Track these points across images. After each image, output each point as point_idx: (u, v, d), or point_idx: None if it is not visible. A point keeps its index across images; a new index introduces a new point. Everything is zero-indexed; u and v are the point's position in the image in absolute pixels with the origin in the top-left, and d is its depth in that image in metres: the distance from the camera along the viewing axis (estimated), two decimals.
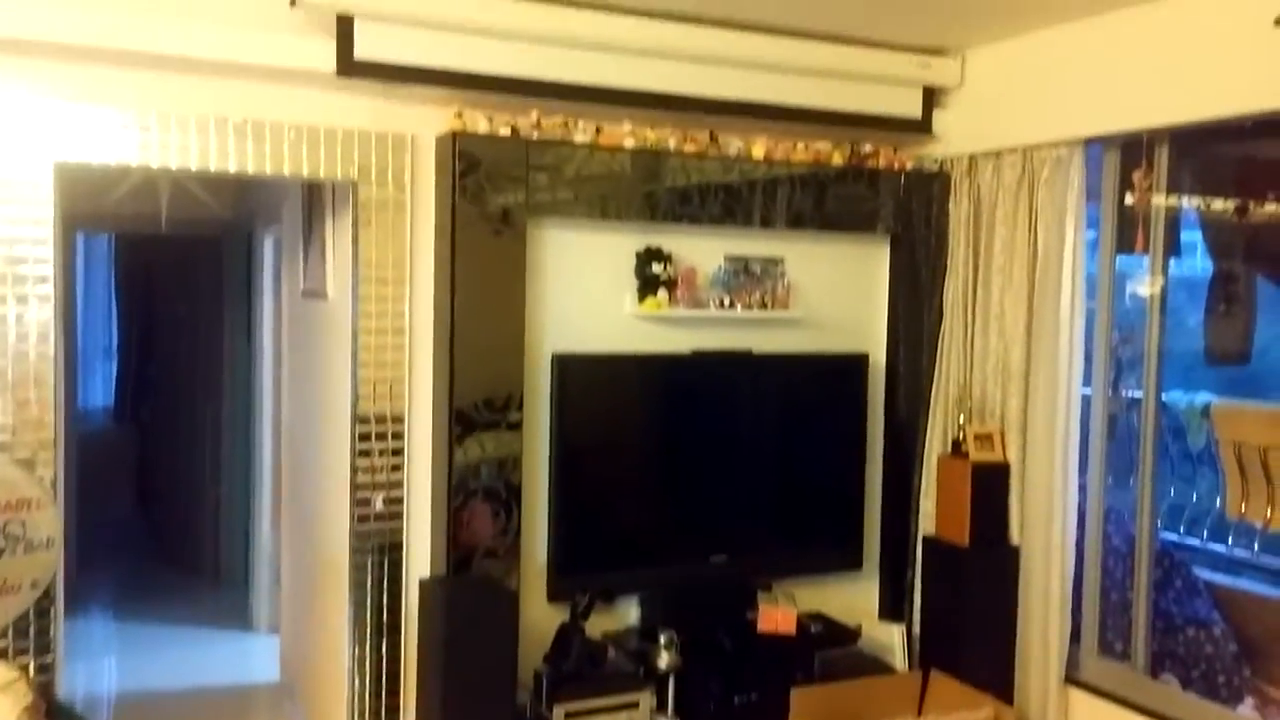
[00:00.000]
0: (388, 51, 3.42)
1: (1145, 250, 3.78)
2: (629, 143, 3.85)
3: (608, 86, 3.73)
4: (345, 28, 3.35)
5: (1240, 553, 4.60)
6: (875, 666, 4.20)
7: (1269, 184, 4.01)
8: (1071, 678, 3.98)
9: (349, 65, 3.38)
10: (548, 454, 3.85)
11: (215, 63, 3.30)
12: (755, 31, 3.86)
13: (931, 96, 4.23)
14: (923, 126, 4.25)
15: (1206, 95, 3.34)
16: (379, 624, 3.72)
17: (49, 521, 3.22)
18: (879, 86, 4.13)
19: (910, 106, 4.21)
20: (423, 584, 3.72)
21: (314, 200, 4.36)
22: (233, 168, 3.43)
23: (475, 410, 3.64)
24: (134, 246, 8.10)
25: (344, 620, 3.77)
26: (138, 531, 7.92)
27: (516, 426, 3.72)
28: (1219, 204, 4.19)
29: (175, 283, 7.47)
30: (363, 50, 3.38)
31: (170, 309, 7.59)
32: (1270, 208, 4.14)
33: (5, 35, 3.07)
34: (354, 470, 3.67)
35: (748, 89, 3.95)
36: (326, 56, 3.36)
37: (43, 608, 3.28)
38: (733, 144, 4.06)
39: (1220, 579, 4.55)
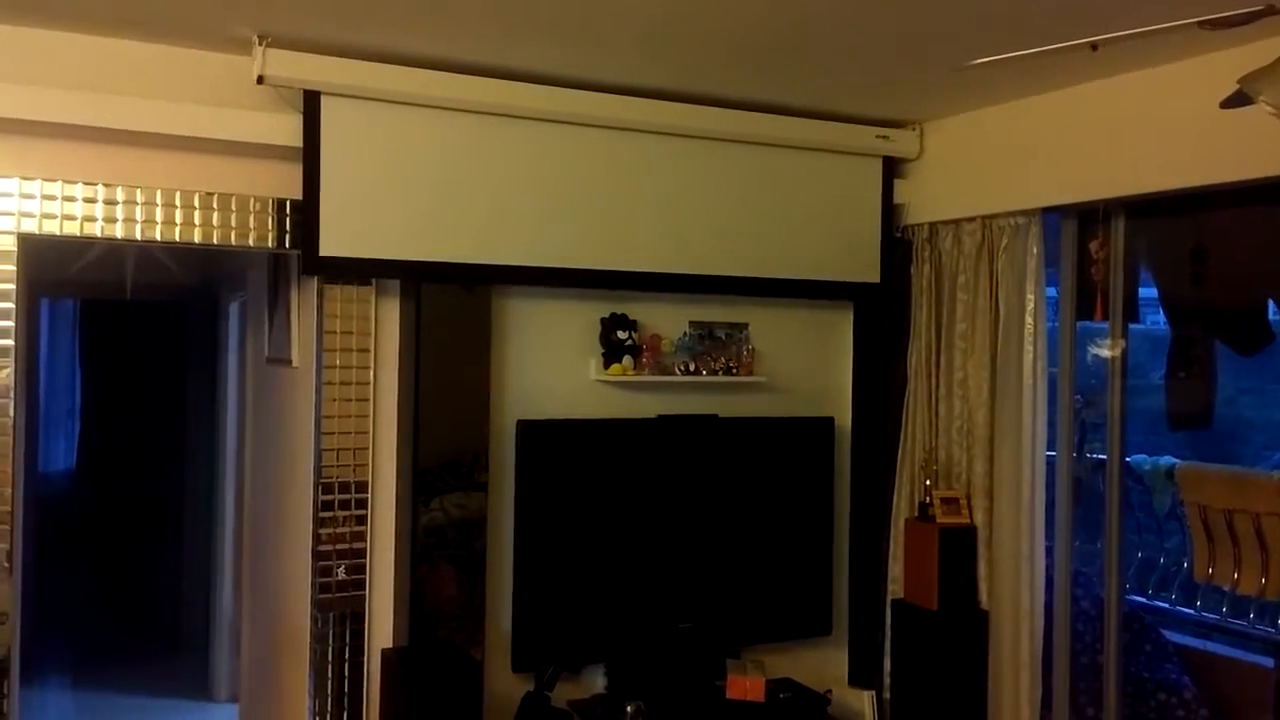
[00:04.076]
0: (350, 249, 3.47)
1: (1104, 318, 3.84)
2: None
3: (563, 267, 3.79)
4: (312, 107, 3.39)
5: (1209, 615, 4.60)
6: None
7: (1224, 252, 4.08)
8: None
9: (314, 263, 3.44)
10: (512, 520, 3.82)
11: (180, 138, 3.33)
12: (721, 106, 3.94)
13: (891, 167, 4.31)
14: (881, 290, 4.34)
15: (1158, 168, 3.41)
16: (340, 695, 3.65)
17: (4, 597, 3.16)
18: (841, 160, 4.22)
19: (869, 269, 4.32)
20: (385, 654, 3.67)
21: (279, 267, 4.35)
22: (198, 239, 3.45)
23: (439, 475, 3.62)
24: (99, 312, 8.08)
25: (305, 691, 3.70)
26: (97, 597, 7.79)
27: (481, 489, 3.70)
28: (1176, 271, 4.26)
29: (140, 348, 7.43)
30: (327, 249, 3.43)
31: (135, 374, 7.54)
32: (1225, 274, 4.20)
33: None
34: (316, 538, 3.62)
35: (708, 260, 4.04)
36: (292, 130, 3.39)
37: None
38: None
39: (1190, 642, 4.55)
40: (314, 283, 3.64)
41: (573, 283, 3.84)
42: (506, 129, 3.68)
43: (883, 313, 4.39)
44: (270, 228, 3.53)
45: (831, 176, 4.23)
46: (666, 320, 4.09)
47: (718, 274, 4.04)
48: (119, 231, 3.36)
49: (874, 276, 4.32)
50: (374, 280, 3.65)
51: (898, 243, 4.36)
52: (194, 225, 3.43)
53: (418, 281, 3.64)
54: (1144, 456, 4.61)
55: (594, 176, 3.84)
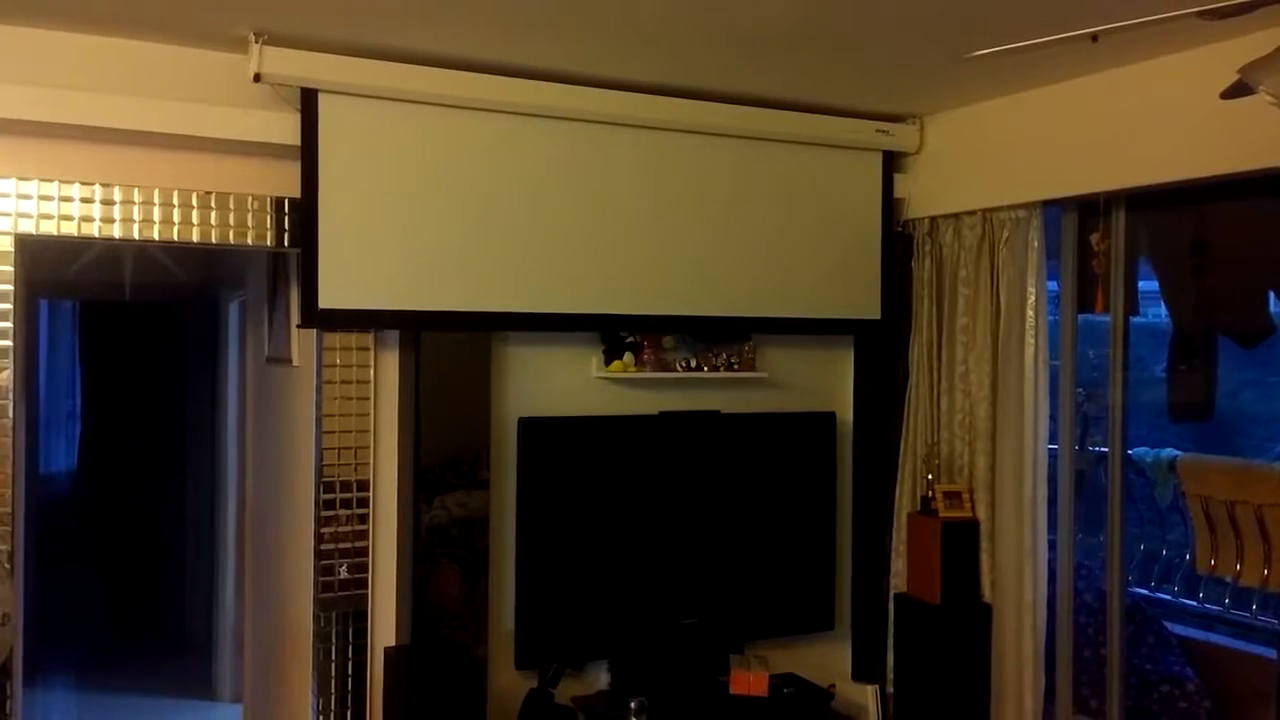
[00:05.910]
0: (349, 301, 3.44)
1: (1105, 311, 3.83)
2: None
3: (561, 313, 3.77)
4: (309, 105, 3.37)
5: (1212, 607, 4.60)
6: None
7: (1225, 244, 4.07)
8: None
9: (312, 316, 3.41)
10: (514, 518, 3.82)
11: (178, 136, 3.32)
12: (728, 103, 3.91)
13: (891, 161, 4.30)
14: (883, 325, 4.33)
15: (1158, 160, 3.40)
16: (343, 693, 3.65)
17: (6, 598, 3.15)
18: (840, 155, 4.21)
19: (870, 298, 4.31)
20: (388, 652, 3.66)
21: (279, 266, 4.35)
22: (196, 238, 3.44)
23: (441, 473, 3.62)
24: (99, 312, 8.08)
25: (308, 690, 3.70)
26: (99, 598, 7.80)
27: (483, 487, 3.69)
28: (1176, 263, 4.25)
29: (140, 348, 7.43)
30: (326, 301, 3.40)
31: (135, 375, 7.54)
32: (1226, 267, 4.20)
33: None
34: (318, 537, 3.62)
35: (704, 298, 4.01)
36: (290, 129, 3.38)
37: None
38: None
39: (1193, 634, 4.55)
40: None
41: (570, 327, 3.84)
42: (502, 126, 3.66)
43: (883, 338, 4.39)
44: (269, 226, 3.53)
45: (831, 173, 4.21)
46: None
47: (717, 315, 4.03)
48: (117, 231, 3.35)
49: (874, 312, 4.30)
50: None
51: (899, 237, 4.35)
52: (192, 224, 3.43)
53: (417, 330, 3.62)
54: (1146, 449, 4.61)
55: (587, 178, 3.80)
